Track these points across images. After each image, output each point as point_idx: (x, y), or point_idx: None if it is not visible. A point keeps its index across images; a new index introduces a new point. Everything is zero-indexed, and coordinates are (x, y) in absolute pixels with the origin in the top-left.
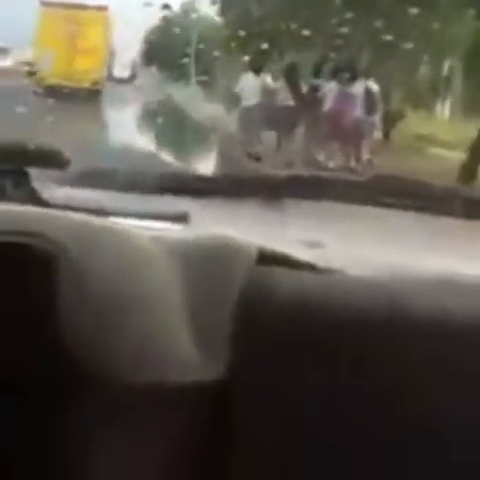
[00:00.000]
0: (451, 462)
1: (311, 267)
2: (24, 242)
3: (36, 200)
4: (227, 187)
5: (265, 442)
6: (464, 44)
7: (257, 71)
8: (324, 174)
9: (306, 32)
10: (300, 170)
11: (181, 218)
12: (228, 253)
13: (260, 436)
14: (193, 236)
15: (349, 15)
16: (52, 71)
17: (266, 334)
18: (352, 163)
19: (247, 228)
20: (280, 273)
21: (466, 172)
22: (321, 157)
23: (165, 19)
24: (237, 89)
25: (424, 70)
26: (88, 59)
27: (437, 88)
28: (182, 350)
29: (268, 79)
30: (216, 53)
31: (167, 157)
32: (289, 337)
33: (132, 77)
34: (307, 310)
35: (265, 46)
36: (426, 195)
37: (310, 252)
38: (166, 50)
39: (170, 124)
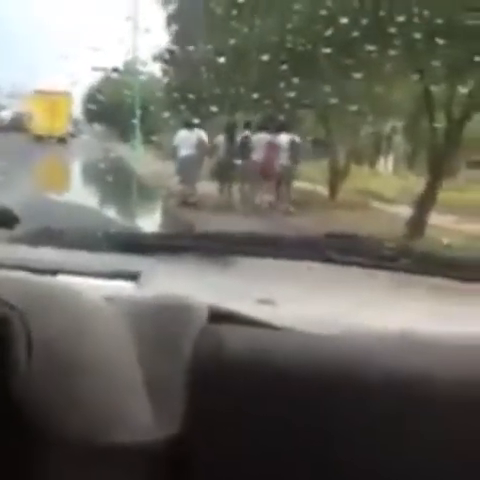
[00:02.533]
0: None
1: (261, 324)
2: None
3: None
4: (178, 244)
5: None
6: (406, 105)
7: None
8: (274, 232)
9: (255, 95)
10: (240, 219)
11: (133, 276)
12: (180, 313)
13: None
14: (145, 296)
15: (295, 80)
16: (39, 127)
17: (218, 390)
18: (283, 204)
19: (197, 285)
20: (230, 330)
21: (413, 227)
22: (257, 200)
23: (107, 80)
24: (175, 143)
25: (368, 129)
26: (59, 121)
27: (380, 146)
28: (136, 410)
29: (203, 135)
30: (159, 112)
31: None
32: (240, 392)
33: (76, 133)
34: (257, 366)
35: (214, 108)
36: (376, 252)
37: (261, 309)
38: (109, 109)
39: (115, 181)
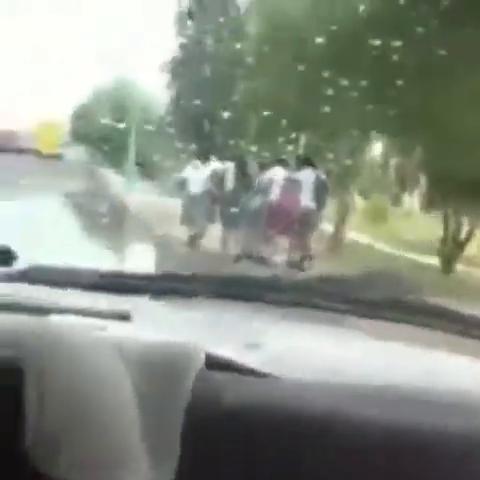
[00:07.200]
0: None
1: (253, 372)
2: None
3: None
4: (172, 285)
5: None
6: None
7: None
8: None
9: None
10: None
11: (124, 316)
12: (177, 359)
13: None
14: (145, 342)
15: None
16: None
17: (214, 438)
18: (298, 257)
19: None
20: (227, 377)
21: None
22: (267, 251)
23: (95, 97)
24: (183, 177)
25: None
26: (55, 144)
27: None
28: (132, 456)
29: (218, 167)
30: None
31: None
32: (237, 441)
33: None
34: (254, 415)
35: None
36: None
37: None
38: (95, 130)
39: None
